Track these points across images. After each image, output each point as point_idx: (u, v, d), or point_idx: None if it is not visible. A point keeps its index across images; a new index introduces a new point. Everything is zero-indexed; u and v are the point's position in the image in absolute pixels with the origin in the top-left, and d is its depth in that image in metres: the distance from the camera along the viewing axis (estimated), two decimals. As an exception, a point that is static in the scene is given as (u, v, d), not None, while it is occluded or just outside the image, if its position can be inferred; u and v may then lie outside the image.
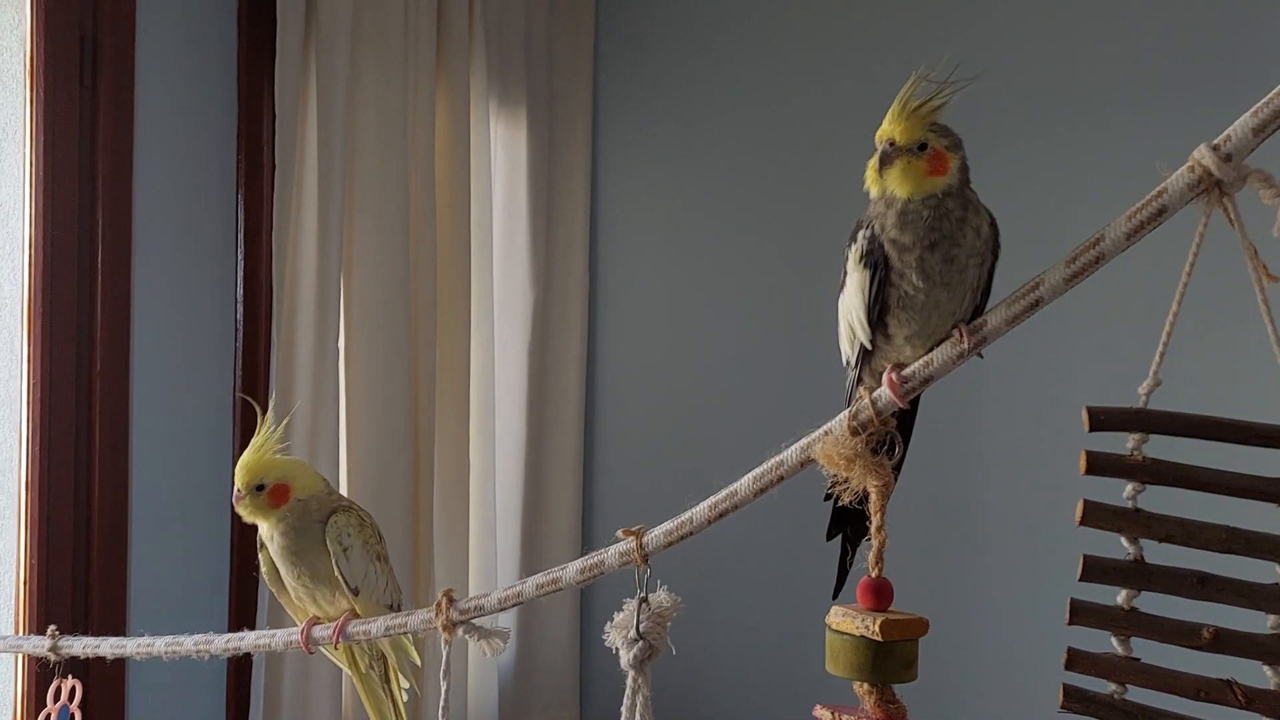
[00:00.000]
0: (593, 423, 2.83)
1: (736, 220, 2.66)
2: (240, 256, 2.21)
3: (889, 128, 0.88)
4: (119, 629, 1.96)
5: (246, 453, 1.20)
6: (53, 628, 1.34)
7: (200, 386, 2.16)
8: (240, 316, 2.20)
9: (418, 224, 2.35)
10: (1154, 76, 2.21)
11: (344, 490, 2.25)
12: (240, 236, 2.21)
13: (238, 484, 1.19)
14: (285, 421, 1.28)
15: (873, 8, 2.50)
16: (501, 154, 2.69)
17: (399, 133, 2.28)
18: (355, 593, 1.19)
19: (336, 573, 1.19)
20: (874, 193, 0.90)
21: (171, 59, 2.10)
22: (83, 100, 2.00)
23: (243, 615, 2.13)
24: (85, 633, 1.36)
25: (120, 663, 1.93)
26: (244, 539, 2.18)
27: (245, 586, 2.15)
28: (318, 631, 1.18)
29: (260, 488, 1.19)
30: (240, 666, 2.12)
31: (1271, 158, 0.78)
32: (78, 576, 1.98)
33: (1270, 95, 0.74)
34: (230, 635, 1.19)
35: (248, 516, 1.21)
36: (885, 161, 0.87)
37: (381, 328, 2.27)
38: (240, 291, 2.20)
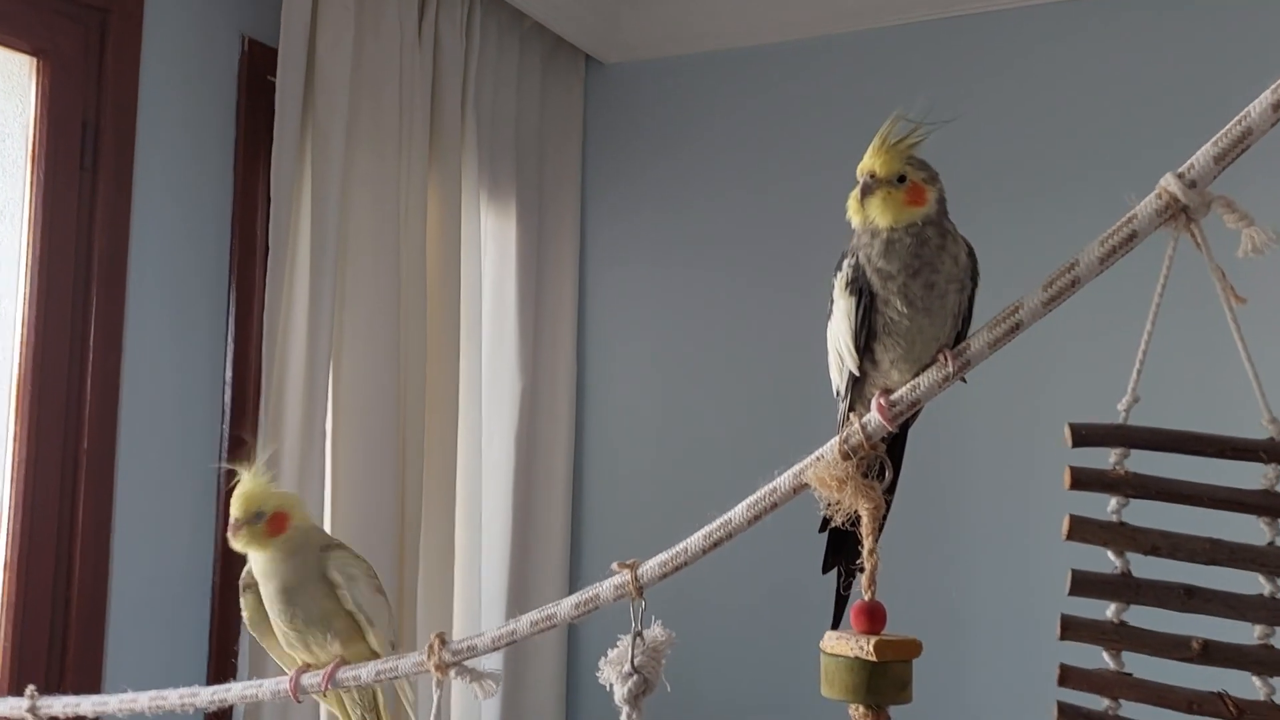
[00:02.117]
0: (580, 510, 2.83)
1: (720, 307, 2.72)
2: (230, 339, 2.22)
3: (869, 161, 0.93)
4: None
5: (243, 483, 1.20)
6: (31, 688, 1.31)
7: (186, 467, 2.15)
8: (228, 398, 2.21)
9: (408, 311, 2.38)
10: (1122, 112, 2.36)
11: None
12: (231, 319, 2.23)
13: (235, 514, 1.18)
14: (269, 454, 1.27)
15: (848, 102, 2.61)
16: (491, 244, 2.74)
17: (391, 221, 2.33)
18: (370, 623, 1.18)
19: (350, 604, 1.17)
20: (856, 223, 0.94)
21: (170, 144, 2.15)
22: (82, 183, 2.04)
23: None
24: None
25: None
26: (224, 625, 2.15)
27: (223, 671, 2.11)
28: (307, 679, 1.16)
29: (259, 515, 1.18)
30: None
31: (1235, 186, 0.83)
32: (52, 654, 1.94)
33: (1228, 126, 0.79)
34: (216, 687, 1.18)
35: (243, 547, 1.20)
36: (866, 192, 0.92)
37: (370, 412, 2.27)
38: (229, 374, 2.22)
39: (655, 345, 2.80)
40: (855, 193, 0.94)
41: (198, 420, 2.18)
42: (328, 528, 2.22)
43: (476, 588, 2.56)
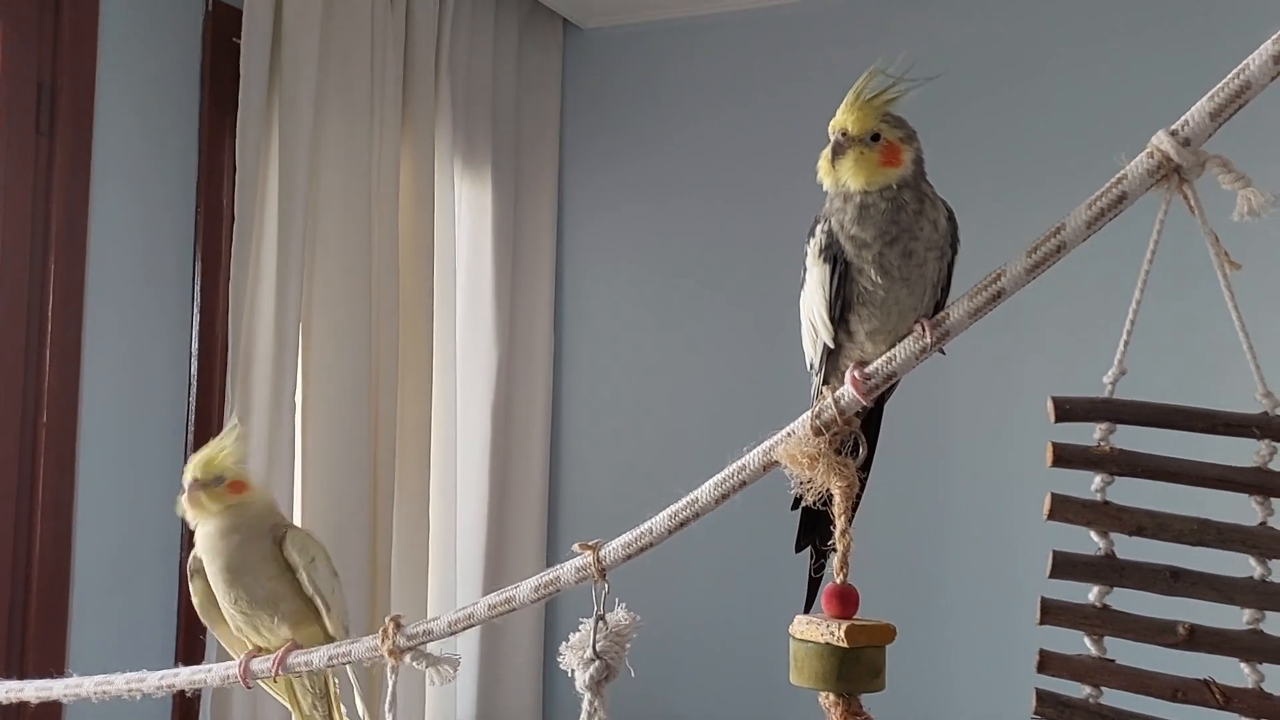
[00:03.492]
0: (557, 481, 2.79)
1: (700, 274, 2.67)
2: (196, 309, 2.17)
3: (842, 117, 0.87)
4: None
5: (205, 449, 1.16)
6: (-23, 672, 1.27)
7: (151, 440, 2.10)
8: (194, 370, 2.15)
9: (379, 281, 2.32)
10: (1112, 66, 2.26)
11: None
12: (196, 289, 2.17)
13: (196, 475, 1.15)
14: (243, 434, 1.23)
15: (829, 65, 2.54)
16: (466, 211, 2.68)
17: (362, 188, 2.27)
18: (327, 608, 1.14)
19: (309, 587, 1.14)
20: (827, 185, 0.89)
21: (132, 108, 2.08)
22: (38, 148, 1.97)
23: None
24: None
25: (58, 709, 1.85)
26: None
27: (192, 649, 2.07)
28: (257, 664, 1.12)
29: (219, 479, 1.15)
30: (185, 712, 2.03)
31: (1229, 145, 0.78)
32: (12, 635, 1.89)
33: (1225, 80, 0.75)
34: (165, 672, 1.13)
35: (197, 513, 1.17)
36: (837, 151, 0.86)
37: (340, 384, 2.22)
38: (195, 344, 2.16)
39: (634, 315, 2.75)
40: (826, 152, 0.88)
41: (163, 393, 2.12)
42: (298, 503, 2.18)
43: (452, 562, 2.52)
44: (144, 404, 2.09)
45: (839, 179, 0.87)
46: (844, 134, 0.86)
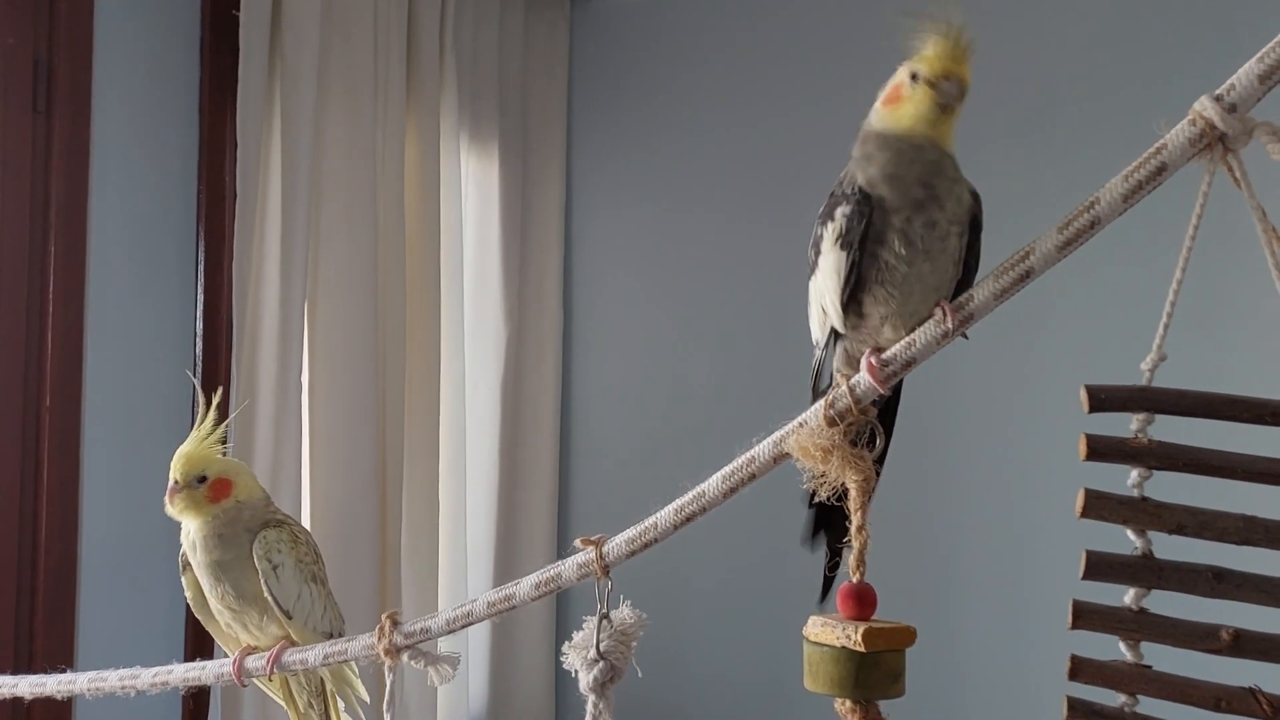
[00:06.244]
0: (568, 461, 2.74)
1: (712, 251, 2.61)
2: (200, 289, 2.13)
3: (956, 65, 0.78)
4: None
5: (186, 444, 1.12)
6: (-29, 666, 1.24)
7: (156, 423, 2.07)
8: (199, 350, 2.12)
9: (386, 259, 2.28)
10: (1151, 25, 2.11)
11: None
12: (200, 268, 2.13)
13: (175, 475, 1.11)
14: (227, 422, 1.19)
15: (842, 34, 2.47)
16: (473, 188, 2.64)
17: (367, 165, 2.23)
18: (288, 616, 1.10)
19: (266, 594, 1.09)
20: (921, 139, 0.80)
21: (130, 85, 2.04)
22: (35, 127, 1.93)
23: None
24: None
25: (67, 709, 1.83)
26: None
27: (201, 640, 2.04)
28: (251, 662, 1.08)
29: (202, 479, 1.11)
30: (196, 709, 2.01)
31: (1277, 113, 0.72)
32: (20, 628, 1.87)
33: (1276, 39, 0.69)
34: (158, 669, 1.10)
35: (179, 512, 1.13)
36: (951, 105, 0.78)
37: (348, 364, 2.19)
38: (200, 325, 2.13)
39: (645, 291, 2.69)
40: (933, 100, 0.79)
41: (168, 375, 2.09)
42: (306, 486, 2.15)
43: (462, 544, 2.49)
44: (148, 387, 2.06)
45: (924, 134, 0.79)
46: (962, 84, 0.78)
